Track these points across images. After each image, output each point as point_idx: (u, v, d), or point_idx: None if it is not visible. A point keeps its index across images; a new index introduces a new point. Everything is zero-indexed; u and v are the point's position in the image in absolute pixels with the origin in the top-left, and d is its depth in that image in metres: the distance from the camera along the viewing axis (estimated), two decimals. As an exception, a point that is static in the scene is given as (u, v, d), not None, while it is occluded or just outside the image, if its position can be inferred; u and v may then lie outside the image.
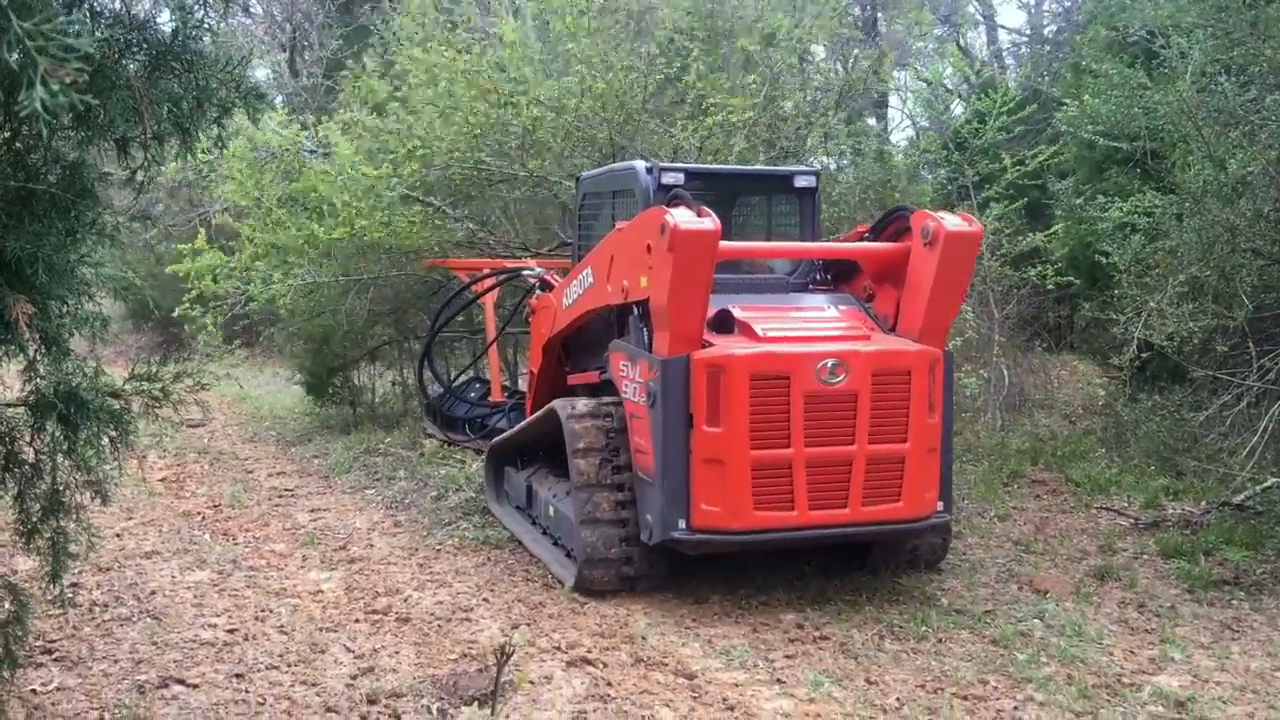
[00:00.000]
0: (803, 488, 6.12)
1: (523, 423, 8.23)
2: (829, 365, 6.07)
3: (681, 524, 6.19)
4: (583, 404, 6.95)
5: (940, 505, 6.58)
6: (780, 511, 6.13)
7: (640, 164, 7.23)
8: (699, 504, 6.15)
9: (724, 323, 6.42)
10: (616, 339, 6.96)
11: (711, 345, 6.19)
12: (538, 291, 8.91)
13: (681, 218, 5.92)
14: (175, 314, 12.92)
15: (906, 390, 6.25)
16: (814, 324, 6.60)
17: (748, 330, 6.36)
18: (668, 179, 6.99)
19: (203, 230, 12.80)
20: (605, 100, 10.29)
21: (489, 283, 10.38)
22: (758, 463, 6.05)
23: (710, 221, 5.95)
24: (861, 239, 7.13)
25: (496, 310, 11.02)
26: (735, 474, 6.04)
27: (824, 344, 6.24)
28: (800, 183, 7.49)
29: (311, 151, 12.15)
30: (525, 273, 9.64)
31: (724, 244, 6.09)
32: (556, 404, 7.05)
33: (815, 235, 7.57)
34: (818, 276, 7.43)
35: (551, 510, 7.43)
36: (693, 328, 6.14)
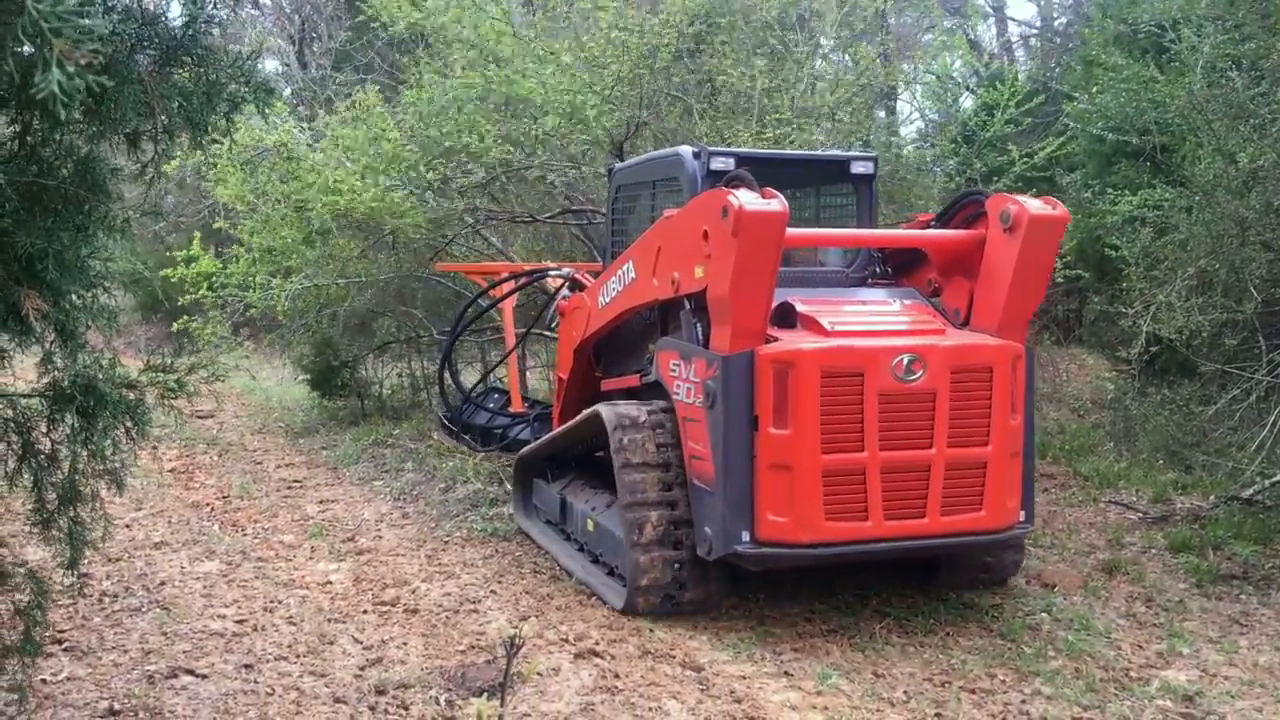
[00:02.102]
0: (877, 496, 5.64)
1: (558, 430, 7.72)
2: (905, 361, 5.62)
3: (745, 537, 5.68)
4: (630, 409, 6.41)
5: (1022, 515, 6.12)
6: (853, 522, 5.64)
7: (686, 149, 6.76)
8: (765, 514, 5.64)
9: (785, 316, 5.94)
10: (663, 336, 6.56)
11: (777, 340, 5.74)
12: (566, 293, 8.45)
13: (746, 199, 5.47)
14: (173, 328, 12.84)
15: (988, 388, 5.80)
16: (882, 318, 6.14)
17: (813, 324, 5.88)
18: (717, 164, 6.49)
19: (198, 235, 12.73)
20: (638, 57, 10.10)
21: (509, 286, 9.90)
22: (829, 468, 5.57)
23: (778, 203, 5.49)
24: (926, 228, 6.68)
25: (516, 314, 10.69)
26: (805, 481, 5.55)
27: (898, 338, 5.80)
28: (858, 169, 7.00)
29: (310, 145, 12.10)
30: (553, 273, 9.17)
31: (789, 230, 5.64)
32: (601, 409, 6.50)
33: (873, 225, 7.13)
34: (877, 270, 6.97)
35: (590, 524, 6.95)
36: (757, 321, 5.68)
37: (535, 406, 10.10)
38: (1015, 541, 6.36)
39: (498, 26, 10.72)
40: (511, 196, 12.22)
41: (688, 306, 6.17)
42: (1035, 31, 21.46)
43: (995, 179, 11.73)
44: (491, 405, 10.50)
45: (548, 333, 10.11)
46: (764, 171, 5.89)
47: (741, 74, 10.61)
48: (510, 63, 10.59)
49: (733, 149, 7.41)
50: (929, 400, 5.69)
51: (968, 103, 14.93)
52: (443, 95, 10.87)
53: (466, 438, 9.98)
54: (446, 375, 10.33)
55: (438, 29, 11.27)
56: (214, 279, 12.17)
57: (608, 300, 7.19)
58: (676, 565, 6.04)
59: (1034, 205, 5.94)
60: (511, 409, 10.20)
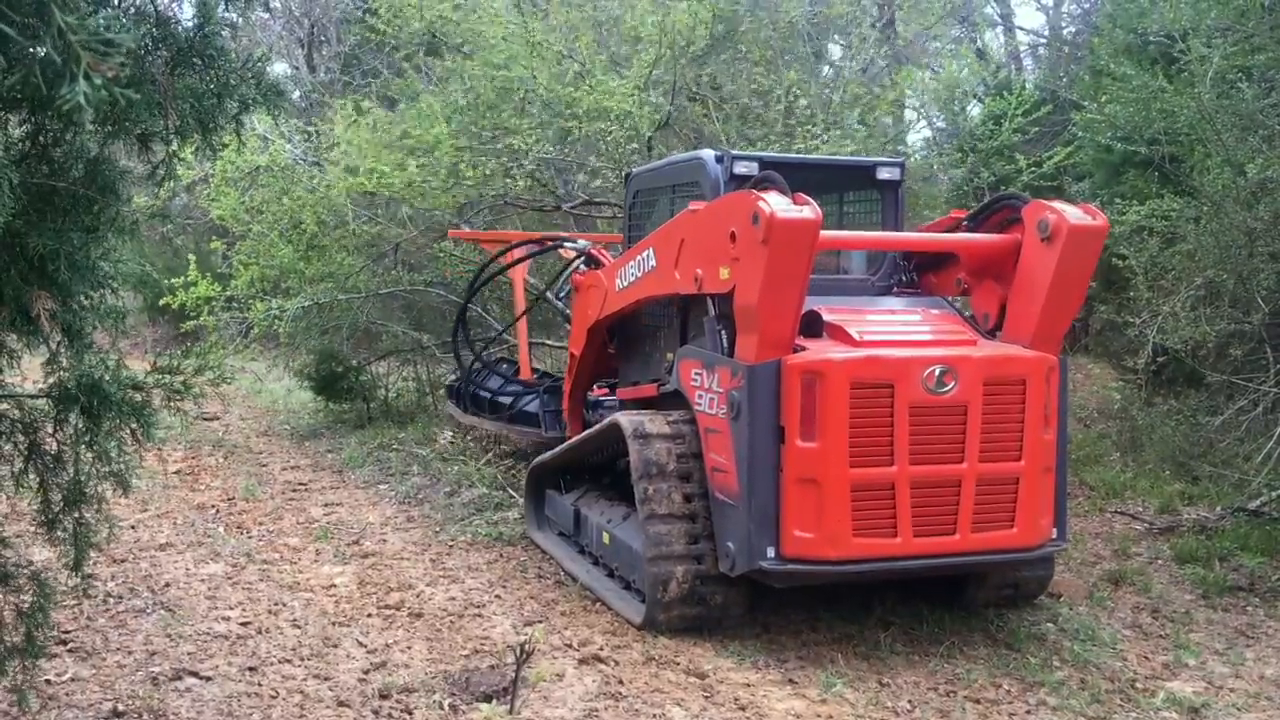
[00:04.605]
0: (907, 511, 5.50)
1: (574, 439, 7.52)
2: (936, 373, 5.48)
3: (770, 552, 5.53)
4: (650, 419, 6.26)
5: (1054, 533, 5.98)
6: (882, 538, 5.50)
7: (708, 153, 6.61)
8: (790, 530, 5.50)
9: (812, 325, 5.80)
10: (684, 344, 6.46)
11: (804, 349, 5.61)
12: (582, 267, 8.29)
13: (778, 205, 5.31)
14: (182, 328, 12.95)
15: (1021, 401, 5.65)
16: (911, 328, 6.02)
17: (841, 334, 5.75)
18: (740, 169, 6.35)
19: (193, 258, 12.81)
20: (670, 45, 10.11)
21: (520, 253, 9.82)
22: (857, 483, 5.44)
23: (810, 210, 5.34)
24: (957, 226, 6.53)
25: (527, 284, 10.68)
26: (833, 495, 5.41)
27: (929, 349, 5.67)
28: (884, 175, 6.86)
29: (315, 162, 12.12)
30: (569, 244, 9.02)
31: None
32: (620, 419, 6.35)
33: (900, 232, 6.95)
34: (903, 278, 6.85)
35: (606, 537, 6.80)
36: (785, 330, 5.54)
37: (545, 379, 10.01)
38: (1046, 559, 6.22)
39: (518, 31, 10.77)
40: (536, 186, 12.17)
41: (712, 313, 6.04)
42: (1044, 41, 21.45)
43: (1003, 188, 11.71)
44: (504, 369, 10.53)
45: (560, 318, 9.98)
46: (787, 176, 5.81)
47: (760, 78, 10.63)
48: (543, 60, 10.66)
49: (756, 153, 7.29)
50: (960, 413, 5.55)
51: (975, 111, 14.94)
52: (466, 94, 10.94)
53: (473, 409, 10.05)
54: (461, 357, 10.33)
55: (466, 34, 11.32)
56: (213, 302, 12.21)
57: (626, 284, 7.05)
58: (697, 581, 5.89)
59: (1073, 214, 5.77)
60: (520, 378, 10.18)
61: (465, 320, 10.37)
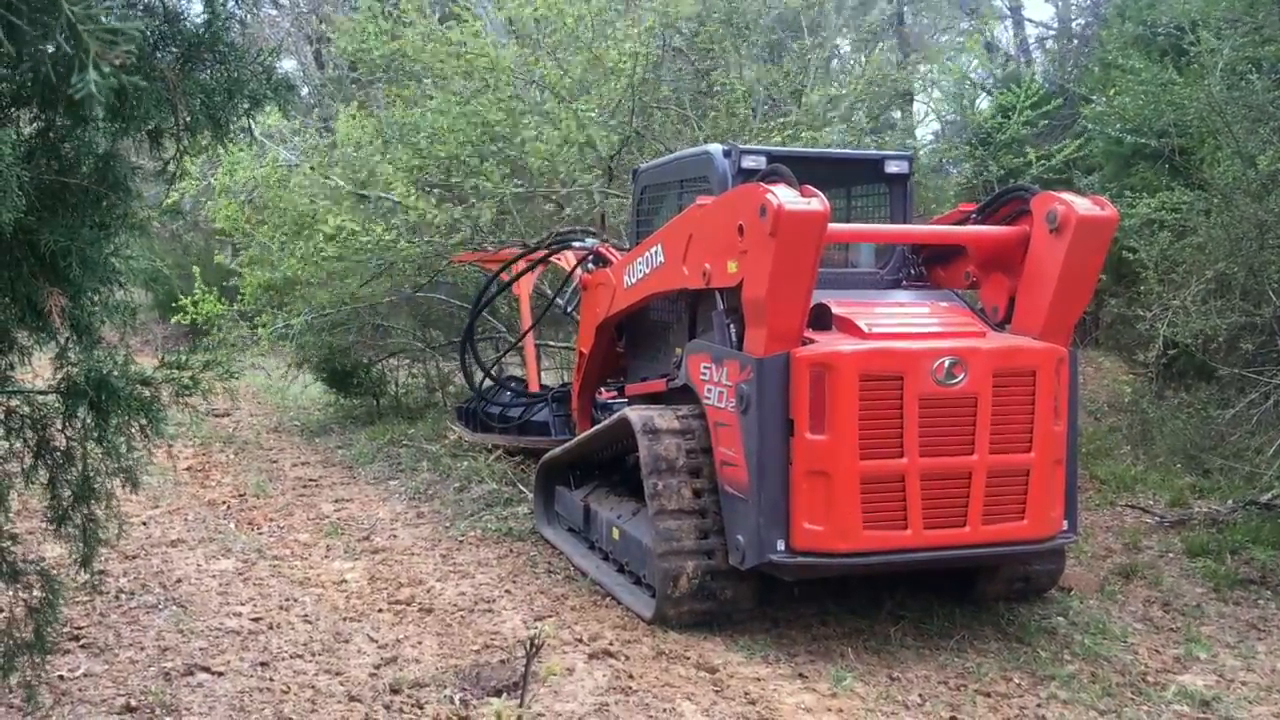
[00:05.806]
0: (917, 503, 5.46)
1: (583, 434, 7.56)
2: (946, 364, 5.45)
3: (780, 545, 5.51)
4: (659, 413, 6.23)
5: (1065, 525, 5.92)
6: (892, 531, 5.47)
7: (716, 147, 6.59)
8: (800, 522, 5.47)
9: (821, 318, 5.75)
10: (692, 339, 6.45)
11: (813, 342, 5.58)
12: (590, 267, 8.26)
13: (786, 197, 5.28)
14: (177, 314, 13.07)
15: (1031, 393, 5.61)
16: (920, 320, 5.98)
17: (850, 326, 5.71)
18: (748, 163, 6.33)
19: (198, 270, 12.88)
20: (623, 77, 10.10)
21: (523, 266, 9.86)
22: (867, 475, 5.40)
23: (818, 202, 5.31)
24: (965, 219, 6.47)
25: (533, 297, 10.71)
26: (843, 488, 5.38)
27: (938, 340, 5.62)
28: (892, 168, 6.82)
29: (312, 167, 12.14)
30: (576, 244, 9.01)
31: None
32: (629, 414, 6.32)
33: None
34: (911, 271, 6.79)
35: (615, 533, 6.78)
36: (793, 323, 5.51)
37: (550, 389, 10.12)
38: (1057, 552, 6.21)
39: (485, 60, 10.78)
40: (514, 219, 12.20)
41: (720, 307, 6.01)
42: (1052, 33, 21.39)
43: (1012, 181, 11.67)
44: (512, 386, 10.61)
45: (563, 315, 9.97)
46: (795, 170, 5.72)
47: (741, 76, 10.59)
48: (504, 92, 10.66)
49: (764, 147, 7.26)
50: (970, 405, 5.52)
51: (984, 104, 14.90)
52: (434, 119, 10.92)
53: (479, 412, 10.08)
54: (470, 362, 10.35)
55: (426, 64, 11.33)
56: (222, 319, 12.27)
57: (634, 281, 7.03)
58: (708, 575, 5.87)
59: (1082, 205, 5.72)
60: (529, 390, 10.27)
61: (472, 341, 10.38)
